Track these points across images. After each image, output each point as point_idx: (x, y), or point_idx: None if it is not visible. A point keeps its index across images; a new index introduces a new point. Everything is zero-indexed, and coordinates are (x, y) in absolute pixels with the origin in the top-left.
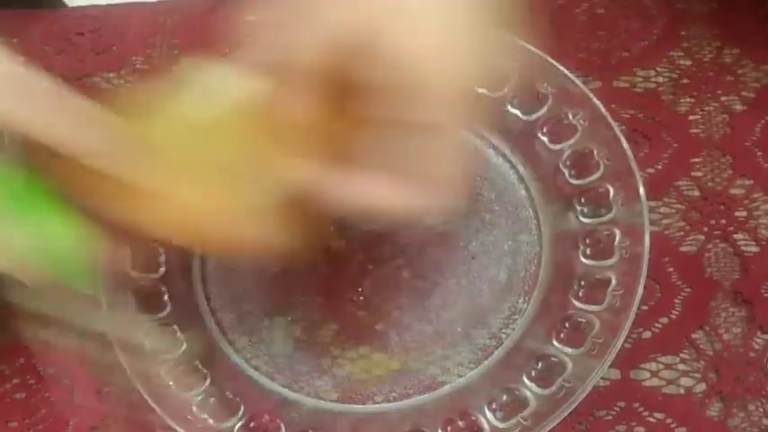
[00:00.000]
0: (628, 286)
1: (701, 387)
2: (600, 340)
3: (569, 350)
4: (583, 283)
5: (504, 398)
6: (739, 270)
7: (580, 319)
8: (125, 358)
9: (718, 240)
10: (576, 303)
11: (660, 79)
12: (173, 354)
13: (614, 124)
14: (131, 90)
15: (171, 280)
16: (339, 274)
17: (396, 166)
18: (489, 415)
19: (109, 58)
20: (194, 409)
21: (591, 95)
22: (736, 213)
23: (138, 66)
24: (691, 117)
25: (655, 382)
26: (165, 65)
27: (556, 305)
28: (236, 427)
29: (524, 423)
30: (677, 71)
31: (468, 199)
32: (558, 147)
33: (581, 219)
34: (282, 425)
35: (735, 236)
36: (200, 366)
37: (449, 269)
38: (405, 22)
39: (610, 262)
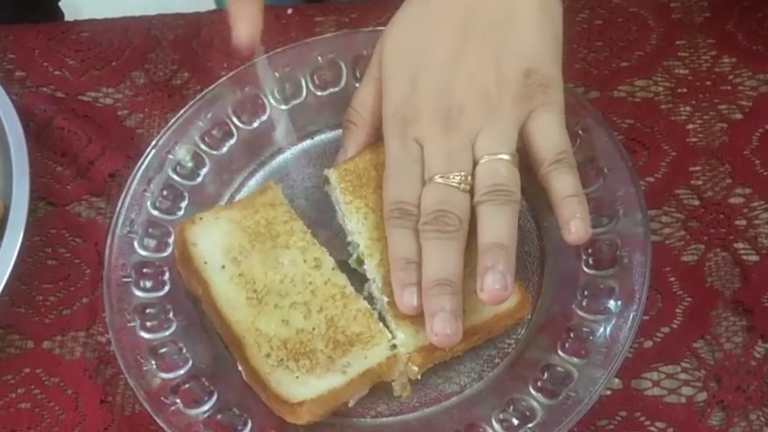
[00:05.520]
0: (631, 295)
1: (703, 396)
2: (604, 349)
3: (575, 360)
4: (586, 292)
5: (511, 409)
6: (740, 279)
7: (584, 329)
8: (132, 378)
9: (718, 249)
10: (580, 313)
11: (658, 89)
12: None
13: (613, 134)
14: None
15: (175, 297)
16: None
17: None
18: (497, 426)
19: (108, 74)
20: (201, 426)
21: (590, 105)
22: (736, 222)
23: (137, 81)
24: (689, 126)
25: (656, 391)
26: (164, 79)
27: (559, 315)
28: None
29: None
30: (674, 80)
31: None
32: None
33: None
34: None
35: (735, 245)
36: (206, 383)
37: None
38: None
39: (612, 271)
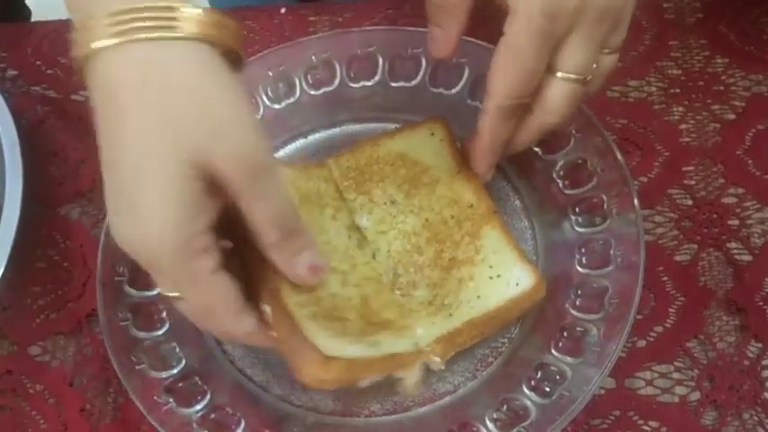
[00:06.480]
0: (624, 294)
1: (696, 395)
2: (598, 349)
3: (568, 359)
4: (579, 291)
5: (505, 408)
6: (733, 279)
7: (578, 328)
8: (124, 376)
9: (711, 249)
10: (573, 312)
11: (651, 89)
12: None
13: (607, 134)
14: None
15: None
16: None
17: None
18: (490, 426)
19: None
20: (195, 425)
21: (583, 105)
22: (729, 222)
23: None
24: (682, 126)
25: (649, 390)
26: None
27: (553, 314)
28: None
29: None
30: (667, 80)
31: None
32: (551, 157)
33: (576, 228)
34: None
35: (728, 244)
36: (199, 383)
37: None
38: None
39: (605, 271)
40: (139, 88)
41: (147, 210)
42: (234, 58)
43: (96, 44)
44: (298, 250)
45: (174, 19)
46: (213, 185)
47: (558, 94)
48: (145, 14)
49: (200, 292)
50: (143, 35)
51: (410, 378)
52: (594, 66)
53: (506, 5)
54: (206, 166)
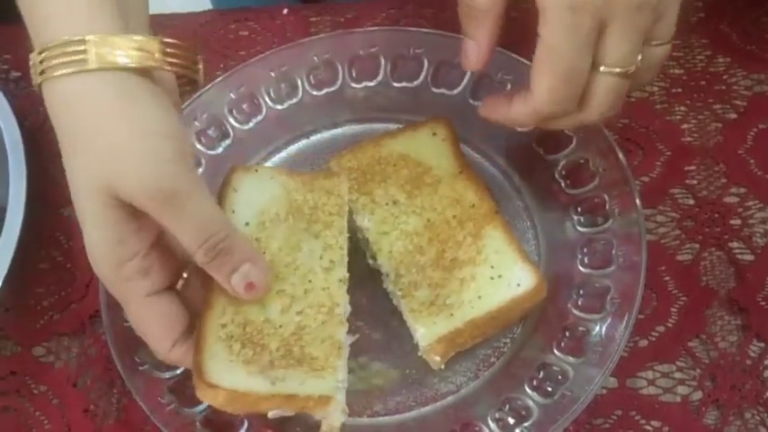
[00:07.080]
0: (626, 294)
1: (698, 395)
2: (599, 348)
3: (570, 359)
4: (581, 291)
5: (507, 408)
6: (735, 278)
7: (580, 328)
8: (127, 377)
9: (713, 249)
10: (575, 312)
11: (653, 88)
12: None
13: (608, 134)
14: None
15: None
16: None
17: None
18: (492, 425)
19: None
20: (198, 426)
21: None
22: (731, 221)
23: None
24: (684, 125)
25: (651, 390)
26: None
27: (555, 314)
28: None
29: None
30: (669, 80)
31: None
32: (553, 157)
33: (578, 228)
34: None
35: (730, 244)
36: None
37: None
38: None
39: (608, 270)
40: (63, 121)
41: (85, 233)
42: (176, 77)
43: (35, 81)
44: (232, 268)
45: (84, 52)
46: (140, 210)
47: (601, 90)
48: (59, 51)
49: (133, 312)
50: (59, 72)
51: (326, 424)
52: (639, 58)
53: (535, 5)
54: (120, 195)
